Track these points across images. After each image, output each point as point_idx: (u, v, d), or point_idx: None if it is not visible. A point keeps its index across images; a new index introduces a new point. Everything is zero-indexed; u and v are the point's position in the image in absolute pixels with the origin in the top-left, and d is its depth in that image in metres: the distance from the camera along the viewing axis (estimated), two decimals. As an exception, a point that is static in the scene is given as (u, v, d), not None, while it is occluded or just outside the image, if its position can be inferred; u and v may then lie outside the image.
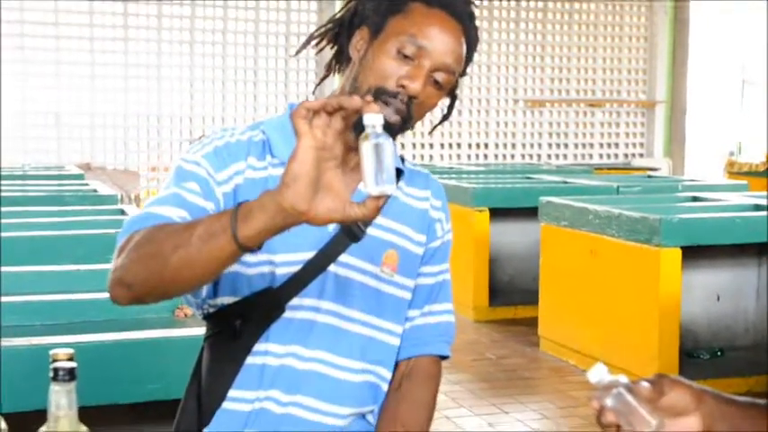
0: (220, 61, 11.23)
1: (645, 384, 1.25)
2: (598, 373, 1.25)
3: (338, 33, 1.74)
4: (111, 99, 10.86)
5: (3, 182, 5.97)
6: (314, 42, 1.76)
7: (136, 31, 10.87)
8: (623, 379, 1.25)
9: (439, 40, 1.62)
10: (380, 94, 1.60)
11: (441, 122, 1.84)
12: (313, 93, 1.92)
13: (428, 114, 1.72)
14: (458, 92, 1.75)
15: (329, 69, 1.79)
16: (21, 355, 2.22)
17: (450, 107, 1.79)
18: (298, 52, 1.79)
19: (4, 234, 3.73)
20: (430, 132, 1.88)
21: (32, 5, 10.47)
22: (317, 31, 1.76)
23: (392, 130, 1.60)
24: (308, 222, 1.32)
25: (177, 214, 1.53)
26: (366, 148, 1.28)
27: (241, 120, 11.43)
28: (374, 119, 1.29)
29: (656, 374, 1.28)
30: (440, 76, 1.64)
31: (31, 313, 2.76)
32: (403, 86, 1.61)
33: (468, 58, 1.71)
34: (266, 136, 1.68)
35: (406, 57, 1.61)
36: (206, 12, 11.13)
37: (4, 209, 4.50)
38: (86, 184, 6.49)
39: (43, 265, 3.33)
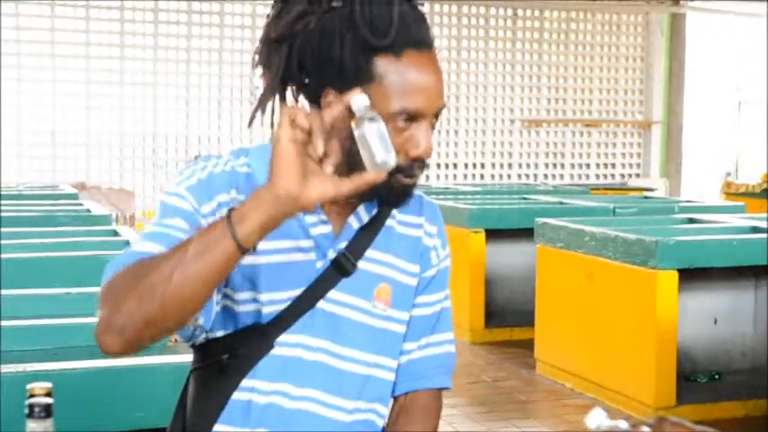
0: (216, 80, 11.23)
1: (645, 429, 1.20)
2: (596, 419, 1.20)
3: (286, 85, 1.62)
4: (106, 118, 10.85)
5: (-4, 202, 5.93)
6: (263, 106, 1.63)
7: (132, 50, 10.88)
8: (623, 424, 1.19)
9: (427, 92, 1.52)
10: (396, 173, 1.51)
11: None
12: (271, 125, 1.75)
13: None
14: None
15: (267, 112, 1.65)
16: (8, 382, 2.17)
17: None
18: (251, 122, 1.63)
19: (-7, 256, 3.68)
20: None
21: (29, 24, 10.47)
22: (264, 92, 1.62)
23: (414, 188, 1.60)
24: (302, 209, 1.34)
25: (160, 249, 1.46)
26: (359, 131, 1.35)
27: (237, 139, 11.41)
28: (360, 101, 1.35)
29: (656, 417, 1.23)
30: (436, 116, 1.57)
31: (19, 339, 2.71)
32: (417, 158, 1.54)
33: None
34: (251, 169, 1.62)
35: (404, 124, 1.52)
36: (202, 31, 11.14)
37: (-5, 229, 4.46)
38: (80, 204, 6.45)
39: (33, 287, 3.28)
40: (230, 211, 1.36)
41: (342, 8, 1.51)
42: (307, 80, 1.58)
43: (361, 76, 1.49)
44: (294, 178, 1.31)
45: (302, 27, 1.54)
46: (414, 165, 1.55)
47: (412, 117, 1.52)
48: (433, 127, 1.57)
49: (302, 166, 1.32)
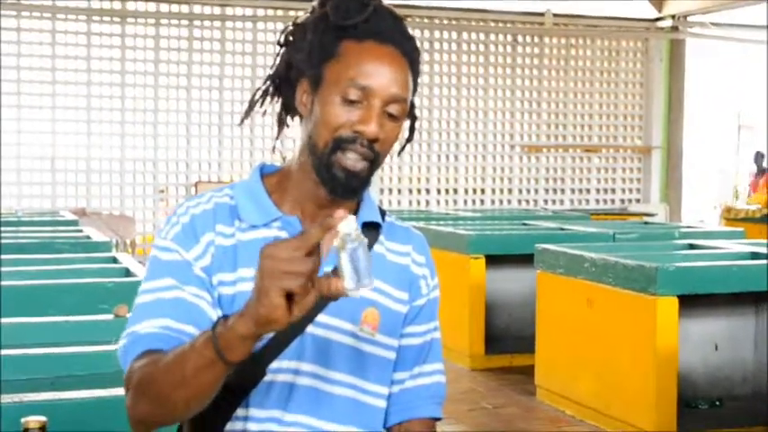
0: (217, 106, 11.25)
1: None
2: None
3: (279, 87, 1.71)
4: (106, 144, 10.86)
5: (-5, 228, 5.92)
6: (259, 102, 1.74)
7: (132, 76, 10.90)
8: None
9: (380, 75, 1.58)
10: (339, 144, 1.58)
11: (404, 146, 1.78)
12: (273, 150, 1.86)
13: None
14: (416, 111, 1.73)
15: (281, 124, 1.76)
16: (4, 412, 2.16)
17: (412, 129, 1.76)
18: (242, 120, 1.78)
19: (-8, 283, 3.67)
20: (399, 154, 1.81)
21: (29, 50, 10.50)
22: (257, 91, 1.74)
23: (362, 176, 1.60)
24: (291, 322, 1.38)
25: (161, 324, 1.55)
26: (343, 255, 1.37)
27: (238, 164, 11.42)
28: (348, 226, 1.37)
29: None
30: (393, 108, 1.60)
31: (17, 367, 2.70)
32: (359, 132, 1.58)
33: (415, 76, 1.67)
34: (235, 201, 1.66)
35: (352, 102, 1.58)
36: (203, 58, 11.17)
37: (-6, 257, 4.45)
38: (80, 231, 6.45)
39: (31, 315, 3.28)
40: (215, 335, 1.39)
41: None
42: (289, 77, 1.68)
43: (324, 55, 1.60)
44: (276, 302, 1.33)
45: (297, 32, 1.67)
46: (355, 139, 1.58)
47: (363, 95, 1.58)
48: (394, 122, 1.61)
49: (285, 290, 1.34)
